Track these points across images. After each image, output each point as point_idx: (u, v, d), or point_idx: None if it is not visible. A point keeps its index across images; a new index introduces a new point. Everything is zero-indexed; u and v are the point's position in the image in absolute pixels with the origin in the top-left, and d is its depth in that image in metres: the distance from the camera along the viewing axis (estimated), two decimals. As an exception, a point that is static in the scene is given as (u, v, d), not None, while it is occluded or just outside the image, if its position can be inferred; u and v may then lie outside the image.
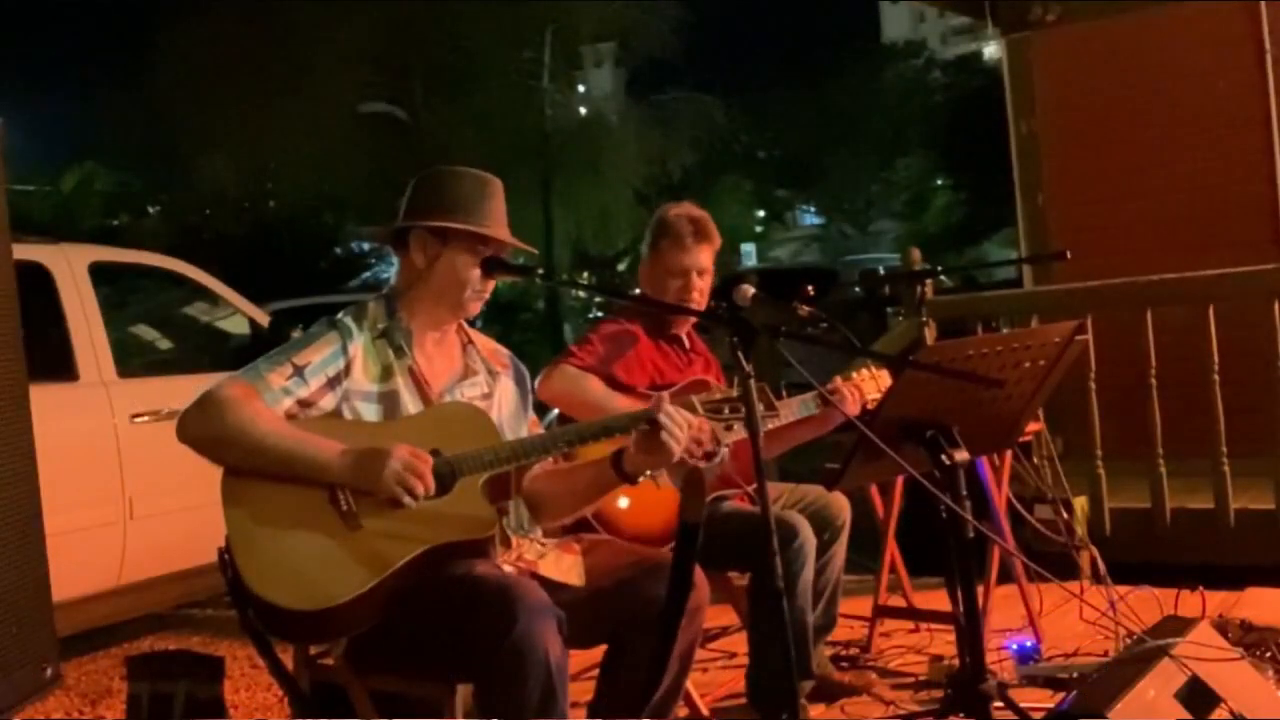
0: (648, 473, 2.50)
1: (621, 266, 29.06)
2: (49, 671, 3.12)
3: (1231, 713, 2.58)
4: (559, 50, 25.43)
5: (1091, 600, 3.57)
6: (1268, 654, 3.32)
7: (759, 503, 2.27)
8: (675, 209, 3.48)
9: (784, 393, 3.27)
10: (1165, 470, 4.83)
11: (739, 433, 2.51)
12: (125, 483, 4.82)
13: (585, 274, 28.67)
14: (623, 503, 3.04)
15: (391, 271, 2.66)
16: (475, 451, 2.39)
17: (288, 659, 2.48)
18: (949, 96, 35.12)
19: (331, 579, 2.21)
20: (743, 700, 3.36)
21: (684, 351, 3.48)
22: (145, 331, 6.10)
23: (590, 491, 2.59)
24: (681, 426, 2.40)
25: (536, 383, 3.07)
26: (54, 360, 4.72)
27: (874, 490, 4.03)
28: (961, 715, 2.74)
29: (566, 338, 22.50)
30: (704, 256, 3.43)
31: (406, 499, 2.27)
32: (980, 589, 3.24)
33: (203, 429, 2.29)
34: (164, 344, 6.23)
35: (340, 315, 2.51)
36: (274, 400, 2.35)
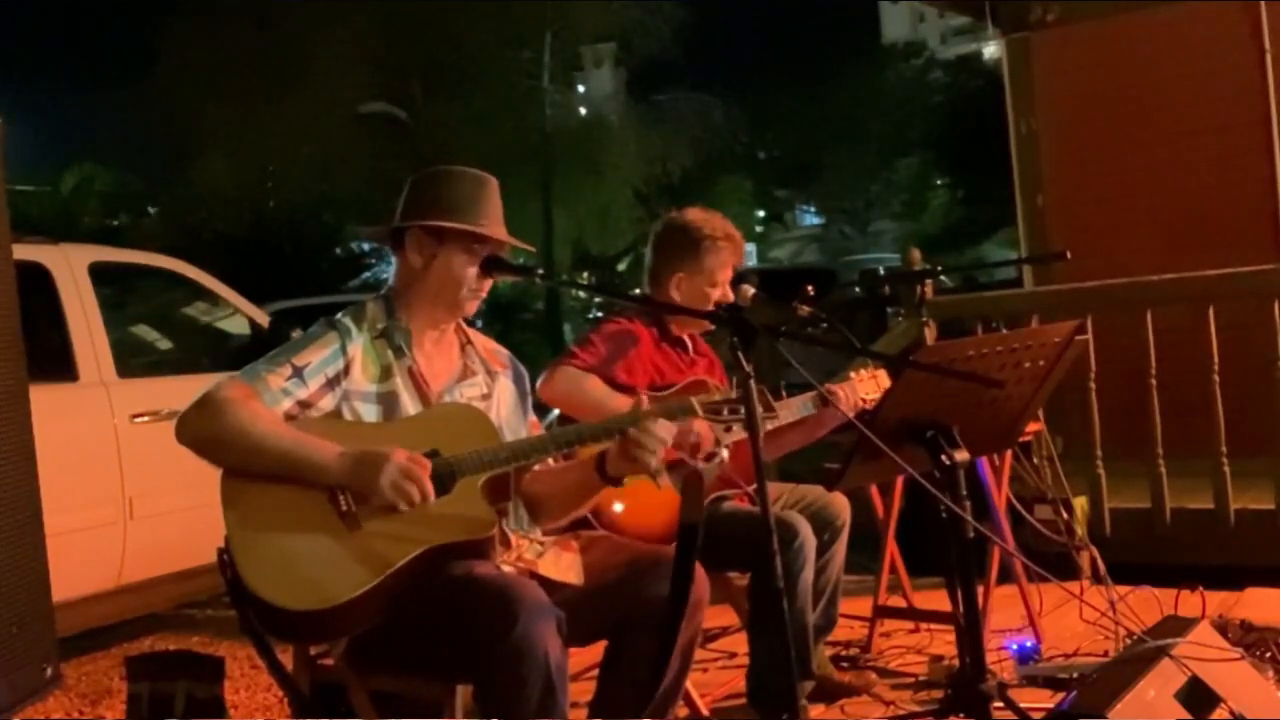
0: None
1: (621, 266, 29.06)
2: (49, 671, 3.11)
3: (1231, 713, 2.58)
4: (559, 50, 25.49)
5: (1091, 600, 3.57)
6: (1268, 654, 3.32)
7: (759, 503, 2.27)
8: (696, 217, 3.45)
9: (784, 393, 3.27)
10: (1165, 470, 4.82)
11: (738, 434, 2.51)
12: (125, 483, 4.82)
13: (585, 274, 28.67)
14: (620, 506, 3.04)
15: (391, 272, 2.66)
16: (474, 452, 2.38)
17: (288, 659, 2.48)
18: (949, 96, 35.11)
19: (331, 579, 2.21)
20: (743, 700, 3.35)
21: (686, 352, 3.48)
22: (145, 331, 6.10)
23: (579, 492, 2.58)
24: (654, 442, 2.39)
25: (537, 383, 3.07)
26: (54, 360, 4.72)
27: (874, 490, 4.02)
28: (961, 715, 2.74)
29: (566, 338, 22.52)
30: (738, 262, 3.46)
31: (403, 505, 2.26)
32: (980, 589, 3.24)
33: (202, 430, 2.29)
34: (164, 344, 6.22)
35: (339, 316, 2.51)
36: (273, 401, 2.35)
